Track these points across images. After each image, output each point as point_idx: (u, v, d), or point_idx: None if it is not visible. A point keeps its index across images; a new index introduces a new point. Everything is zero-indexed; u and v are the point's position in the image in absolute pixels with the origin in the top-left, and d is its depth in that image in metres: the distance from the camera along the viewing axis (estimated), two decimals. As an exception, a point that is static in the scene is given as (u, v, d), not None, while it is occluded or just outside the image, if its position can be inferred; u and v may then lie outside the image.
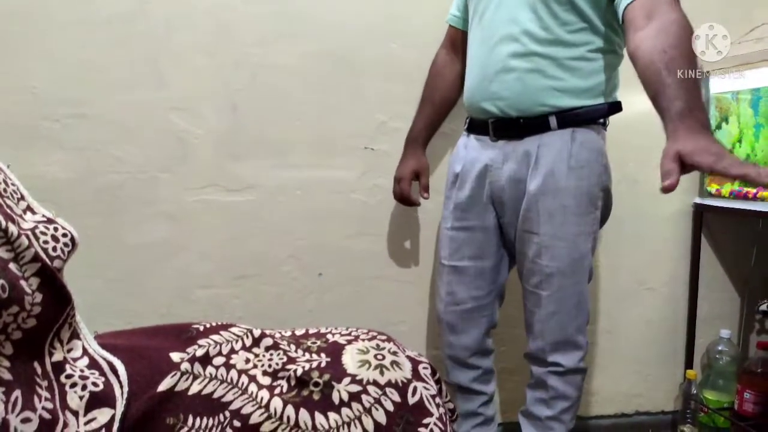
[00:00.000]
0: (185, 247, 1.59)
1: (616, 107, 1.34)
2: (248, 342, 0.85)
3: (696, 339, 1.93)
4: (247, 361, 0.82)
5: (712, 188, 1.85)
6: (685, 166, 0.92)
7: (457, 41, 1.50)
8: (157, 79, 1.54)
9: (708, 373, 1.91)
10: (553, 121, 1.27)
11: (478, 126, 1.38)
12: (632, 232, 1.87)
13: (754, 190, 1.72)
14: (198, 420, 0.75)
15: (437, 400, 0.88)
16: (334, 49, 1.62)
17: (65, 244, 0.75)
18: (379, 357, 0.87)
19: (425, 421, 0.83)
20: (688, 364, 1.94)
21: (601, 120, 1.32)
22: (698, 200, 1.89)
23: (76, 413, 0.69)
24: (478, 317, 1.42)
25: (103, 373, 0.74)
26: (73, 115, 1.50)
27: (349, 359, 0.85)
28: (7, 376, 0.62)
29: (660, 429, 1.94)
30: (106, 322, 1.54)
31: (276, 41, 1.59)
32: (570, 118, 1.27)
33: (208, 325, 0.88)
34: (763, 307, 1.70)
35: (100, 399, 0.71)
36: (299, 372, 0.81)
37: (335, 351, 0.87)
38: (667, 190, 0.90)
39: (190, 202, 1.58)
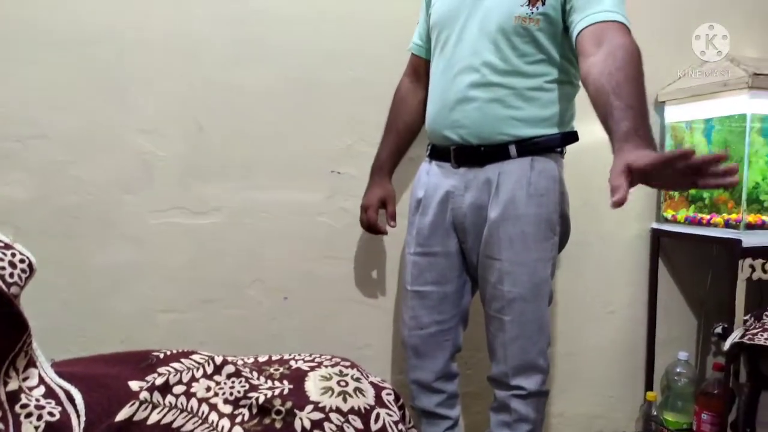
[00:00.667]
0: (147, 270, 1.57)
1: (572, 137, 1.38)
2: (209, 369, 0.84)
3: (655, 361, 1.98)
4: (208, 389, 0.81)
5: (669, 214, 1.91)
6: (633, 179, 0.93)
7: (419, 69, 1.53)
8: (121, 100, 1.53)
9: (667, 395, 1.95)
10: (512, 149, 1.30)
11: (439, 153, 1.41)
12: (594, 257, 1.91)
13: (708, 216, 1.78)
14: (157, 450, 0.73)
15: (400, 426, 0.88)
16: (300, 73, 1.63)
17: (23, 270, 0.74)
18: (342, 383, 0.87)
19: (388, 447, 0.83)
20: (648, 385, 1.98)
21: (559, 149, 1.35)
22: (655, 225, 1.94)
23: (30, 445, 0.68)
24: (442, 341, 1.43)
25: (59, 403, 0.73)
26: (34, 135, 1.48)
27: (312, 386, 0.85)
28: (-41, 407, 0.60)
29: (621, 450, 1.97)
30: (63, 347, 1.50)
31: (242, 65, 1.60)
32: (529, 147, 1.30)
33: (168, 353, 0.87)
34: (718, 330, 1.74)
35: (56, 429, 0.70)
36: (261, 400, 0.81)
37: (298, 378, 0.86)
38: (616, 204, 0.91)
39: (154, 224, 1.56)
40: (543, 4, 1.24)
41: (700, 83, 1.76)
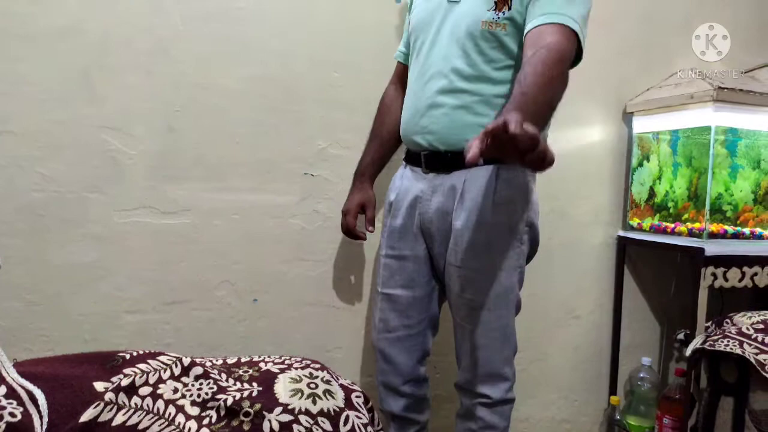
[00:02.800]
0: (113, 270, 1.54)
1: None
2: (177, 371, 0.83)
3: (619, 366, 2.02)
4: (176, 390, 0.80)
5: (634, 222, 1.95)
6: (489, 145, 0.87)
7: (404, 77, 1.53)
8: (89, 95, 1.49)
9: (630, 399, 1.98)
10: None
11: (412, 157, 1.42)
12: (561, 263, 1.94)
13: (672, 225, 1.82)
14: (122, 452, 0.72)
15: (369, 429, 0.88)
16: (275, 74, 1.62)
17: (-15, 268, 0.72)
18: (312, 386, 0.87)
19: (357, 450, 0.83)
20: (612, 390, 2.02)
21: None
22: (621, 233, 1.98)
23: (-11, 446, 0.66)
24: (409, 346, 1.44)
25: (21, 403, 0.71)
26: (-2, 130, 1.44)
27: (282, 388, 0.85)
28: None
29: (585, 454, 2.00)
30: (25, 347, 1.47)
31: (216, 63, 1.58)
32: None
33: (135, 353, 0.85)
34: (680, 336, 1.79)
35: (17, 430, 0.68)
36: (229, 402, 0.80)
37: (267, 380, 0.86)
38: (468, 162, 0.86)
39: (120, 223, 1.53)
40: (509, 8, 1.26)
41: (668, 95, 1.81)
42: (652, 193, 1.93)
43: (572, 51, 1.19)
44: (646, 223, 1.91)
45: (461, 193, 1.30)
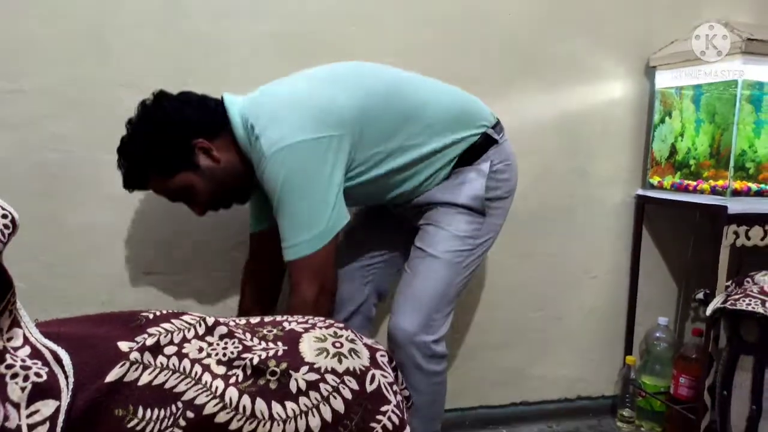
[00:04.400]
0: (128, 231, 1.53)
1: (480, 144, 1.36)
2: (201, 330, 0.82)
3: (635, 326, 2.01)
4: (201, 350, 0.79)
5: (655, 180, 1.91)
6: None
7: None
8: (102, 53, 1.46)
9: (646, 359, 1.98)
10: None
11: None
12: (579, 222, 1.91)
13: (695, 183, 1.79)
14: (149, 411, 0.72)
15: (394, 387, 0.87)
16: (291, 29, 1.58)
17: (5, 226, 0.70)
18: (337, 345, 0.85)
19: (383, 408, 0.82)
20: (628, 350, 2.01)
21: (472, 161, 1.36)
22: (640, 192, 1.95)
23: (17, 405, 0.65)
24: None
25: (46, 363, 0.70)
26: (9, 90, 1.41)
27: (307, 347, 0.83)
28: (-58, 367, 0.57)
29: (601, 413, 2.01)
30: (42, 308, 1.46)
31: (231, 17, 1.53)
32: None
33: (158, 313, 0.84)
34: (699, 296, 1.77)
35: (43, 390, 0.67)
36: (255, 361, 0.79)
37: (292, 339, 0.85)
38: None
39: (135, 184, 1.51)
40: None
41: (692, 48, 1.75)
42: (673, 151, 1.88)
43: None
44: (667, 181, 1.87)
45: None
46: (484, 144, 1.35)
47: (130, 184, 1.29)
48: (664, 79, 1.87)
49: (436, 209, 1.35)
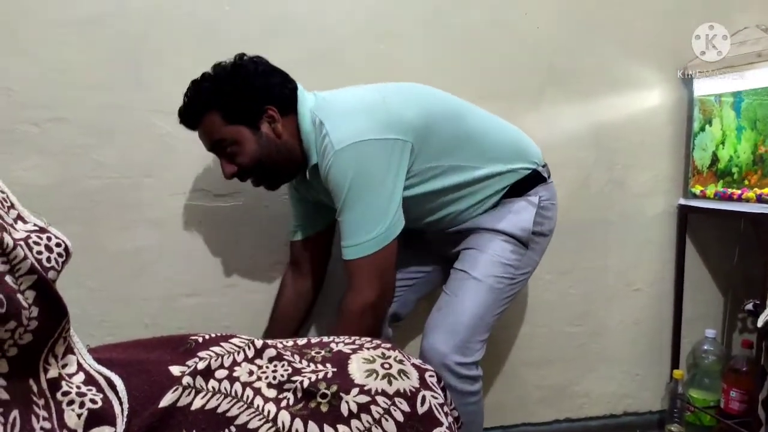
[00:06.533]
0: (170, 254, 1.55)
1: (529, 179, 1.38)
2: (251, 353, 0.82)
3: (681, 339, 1.95)
4: (251, 373, 0.79)
5: (697, 189, 1.87)
6: None
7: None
8: (136, 80, 1.49)
9: (694, 373, 1.92)
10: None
11: None
12: (619, 234, 1.87)
13: (739, 191, 1.74)
14: (202, 436, 0.71)
15: (445, 408, 0.86)
16: (322, 49, 1.59)
17: (59, 254, 0.71)
18: (386, 366, 0.84)
19: (435, 431, 0.81)
20: (675, 363, 1.95)
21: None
22: (683, 201, 1.90)
23: (74, 432, 0.66)
24: None
25: (100, 390, 0.71)
26: (51, 118, 1.45)
27: (356, 369, 0.83)
28: (4, 395, 0.58)
29: (648, 429, 1.95)
30: (88, 333, 1.49)
31: (262, 41, 1.55)
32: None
33: (207, 336, 0.84)
34: (748, 307, 1.71)
35: (99, 417, 0.68)
36: (306, 383, 0.78)
37: (341, 361, 0.84)
38: None
39: (175, 207, 1.54)
40: None
41: (732, 54, 1.71)
42: (714, 159, 1.84)
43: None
44: (710, 190, 1.82)
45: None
46: (534, 179, 1.37)
47: (184, 115, 1.30)
48: (703, 87, 1.83)
49: (479, 234, 1.35)
